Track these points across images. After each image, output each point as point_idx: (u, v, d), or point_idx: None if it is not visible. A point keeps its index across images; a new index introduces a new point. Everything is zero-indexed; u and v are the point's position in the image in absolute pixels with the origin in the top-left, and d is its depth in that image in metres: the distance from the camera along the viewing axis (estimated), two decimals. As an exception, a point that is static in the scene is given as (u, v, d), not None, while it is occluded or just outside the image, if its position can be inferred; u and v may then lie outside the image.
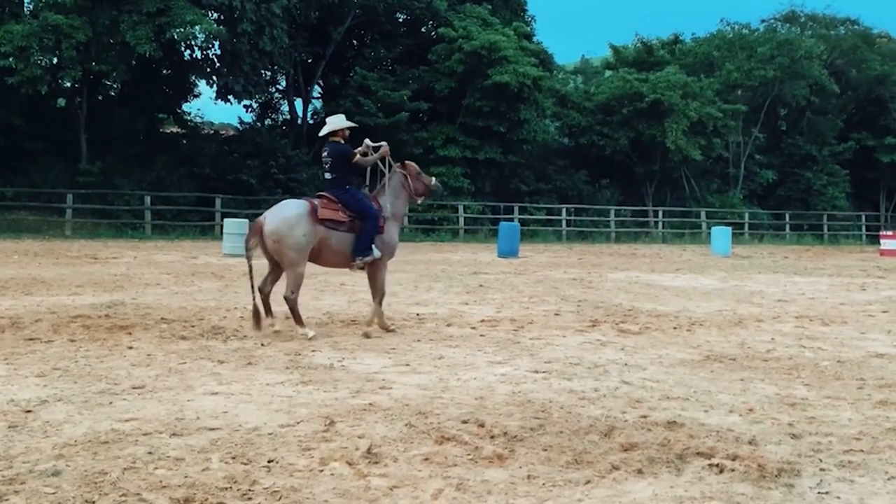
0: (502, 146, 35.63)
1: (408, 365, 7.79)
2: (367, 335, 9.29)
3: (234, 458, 4.83)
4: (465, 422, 5.71)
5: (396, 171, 10.07)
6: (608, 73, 45.50)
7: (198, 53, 32.95)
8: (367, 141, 10.01)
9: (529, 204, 36.85)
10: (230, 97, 33.79)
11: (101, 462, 4.69)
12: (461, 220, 34.68)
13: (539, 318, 11.19)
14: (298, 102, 37.36)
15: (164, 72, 33.79)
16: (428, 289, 14.51)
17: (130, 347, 8.30)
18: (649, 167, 40.02)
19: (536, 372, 7.59)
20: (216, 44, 30.93)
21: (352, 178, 9.70)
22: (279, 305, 9.55)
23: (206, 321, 10.13)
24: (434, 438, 5.32)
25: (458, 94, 34.83)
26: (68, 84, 30.12)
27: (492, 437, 5.39)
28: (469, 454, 5.02)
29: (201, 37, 29.31)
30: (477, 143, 34.92)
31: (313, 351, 8.37)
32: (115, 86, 33.05)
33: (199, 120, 37.65)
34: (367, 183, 10.01)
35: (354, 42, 38.12)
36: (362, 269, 9.61)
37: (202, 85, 35.07)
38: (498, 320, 10.83)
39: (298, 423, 5.63)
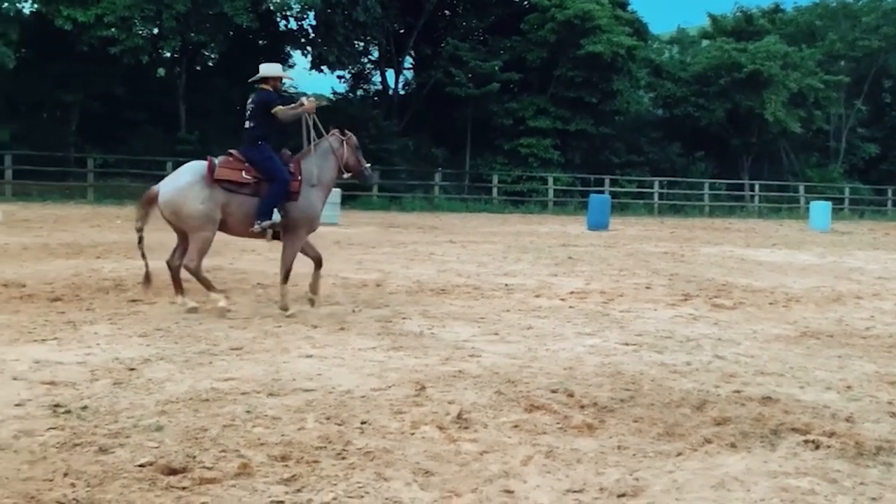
0: (594, 117, 35.16)
1: (497, 334, 7.83)
2: (284, 308, 8.60)
3: (328, 418, 4.95)
4: (554, 391, 5.73)
5: (333, 135, 9.11)
6: (705, 42, 44.30)
7: (293, 24, 33.39)
8: (304, 99, 9.09)
9: (621, 176, 36.33)
10: (324, 68, 34.13)
11: (202, 419, 4.87)
12: (550, 192, 34.44)
13: (629, 291, 11.08)
14: (390, 73, 37.55)
15: (260, 42, 34.31)
16: (516, 260, 14.50)
17: (228, 310, 8.53)
18: (746, 139, 39.00)
19: (626, 344, 7.55)
20: (311, 14, 31.27)
21: (271, 134, 8.70)
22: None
23: (300, 287, 10.28)
24: (523, 406, 5.36)
25: (550, 64, 34.46)
26: (168, 54, 30.88)
27: (581, 407, 5.40)
28: (558, 423, 5.04)
29: (297, 7, 29.65)
30: (568, 114, 34.54)
31: (404, 318, 8.48)
32: (212, 56, 33.74)
33: (293, 90, 38.14)
34: (305, 140, 8.93)
35: (446, 12, 38.01)
36: (265, 236, 8.64)
37: (297, 55, 35.49)
38: (587, 292, 10.76)
39: (390, 387, 5.74)
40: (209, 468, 4.07)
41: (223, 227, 8.61)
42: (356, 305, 9.13)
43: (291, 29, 33.52)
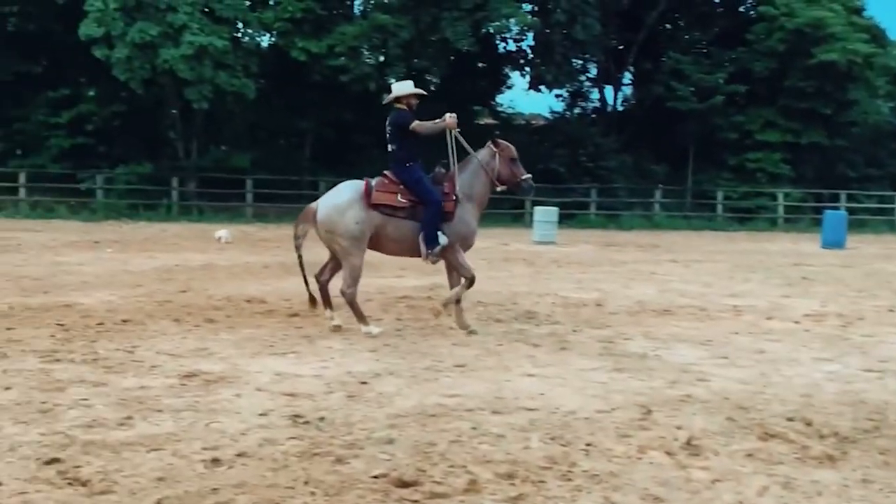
0: (827, 129, 33.25)
1: (726, 358, 7.55)
2: (436, 313, 8.54)
3: (552, 438, 4.94)
4: (790, 419, 5.45)
5: (487, 148, 8.80)
6: (953, 46, 40.85)
7: (511, 45, 33.85)
8: (447, 115, 8.76)
9: (858, 191, 34.07)
10: (541, 87, 34.35)
11: (430, 434, 4.99)
12: (780, 209, 32.82)
13: (870, 313, 10.35)
14: (609, 90, 37.22)
15: (479, 65, 35.02)
16: (744, 280, 13.90)
17: (451, 328, 8.71)
18: None
19: (869, 371, 7.07)
20: (530, 35, 31.60)
21: (416, 153, 8.54)
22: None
23: (520, 305, 10.40)
24: (757, 434, 5.14)
25: (779, 74, 32.94)
26: (392, 80, 32.12)
27: (821, 436, 5.10)
28: (796, 453, 4.79)
29: (516, 29, 30.08)
30: (799, 126, 32.85)
31: (626, 339, 8.34)
32: (434, 81, 34.81)
33: (510, 111, 38.64)
34: (449, 160, 8.70)
35: (667, 26, 37.27)
36: (437, 261, 8.50)
37: (515, 76, 35.93)
38: (823, 315, 10.16)
39: (614, 409, 5.65)
40: (439, 483, 4.17)
41: (379, 248, 8.58)
42: (576, 325, 9.07)
43: (510, 50, 34.00)
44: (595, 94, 38.34)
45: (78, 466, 4.35)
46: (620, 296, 11.46)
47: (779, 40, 32.20)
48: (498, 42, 33.33)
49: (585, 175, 32.02)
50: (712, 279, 13.82)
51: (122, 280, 11.83)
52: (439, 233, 8.25)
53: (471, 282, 8.54)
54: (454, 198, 8.42)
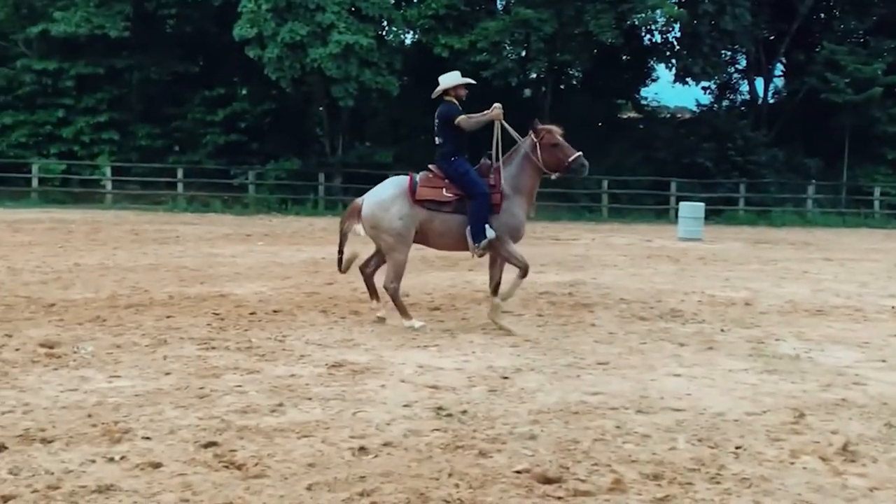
0: None
1: (884, 361, 7.21)
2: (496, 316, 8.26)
3: (700, 440, 4.83)
4: (956, 428, 5.14)
5: (529, 137, 8.62)
6: None
7: (657, 37, 33.14)
8: (496, 106, 8.66)
9: None
10: (688, 80, 33.51)
11: (573, 431, 4.97)
12: (943, 205, 30.98)
13: None
14: (759, 82, 35.93)
15: (623, 58, 34.46)
16: (905, 280, 13.20)
17: (593, 325, 8.64)
18: None
19: None
20: (676, 27, 30.85)
21: (462, 146, 8.47)
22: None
23: (664, 303, 10.19)
24: (919, 442, 4.87)
25: (943, 64, 31.09)
26: (534, 75, 31.99)
27: None
28: (964, 465, 4.51)
29: (661, 21, 29.44)
30: (965, 118, 30.93)
31: (777, 340, 8.06)
32: (576, 74, 34.45)
33: (655, 104, 37.87)
34: (494, 152, 8.57)
35: (822, 15, 35.70)
36: (483, 255, 8.37)
37: (660, 69, 35.18)
38: None
39: (765, 412, 5.48)
40: (582, 481, 4.14)
41: (426, 243, 8.56)
42: (724, 324, 8.82)
43: (655, 42, 33.31)
44: (744, 86, 37.12)
45: (233, 450, 4.54)
46: (771, 295, 11.08)
47: (944, 27, 30.36)
48: (643, 34, 32.69)
49: (734, 170, 31.06)
50: (869, 279, 13.18)
51: (273, 272, 12.26)
52: (486, 226, 8.11)
53: (524, 272, 8.35)
54: (501, 190, 8.29)
